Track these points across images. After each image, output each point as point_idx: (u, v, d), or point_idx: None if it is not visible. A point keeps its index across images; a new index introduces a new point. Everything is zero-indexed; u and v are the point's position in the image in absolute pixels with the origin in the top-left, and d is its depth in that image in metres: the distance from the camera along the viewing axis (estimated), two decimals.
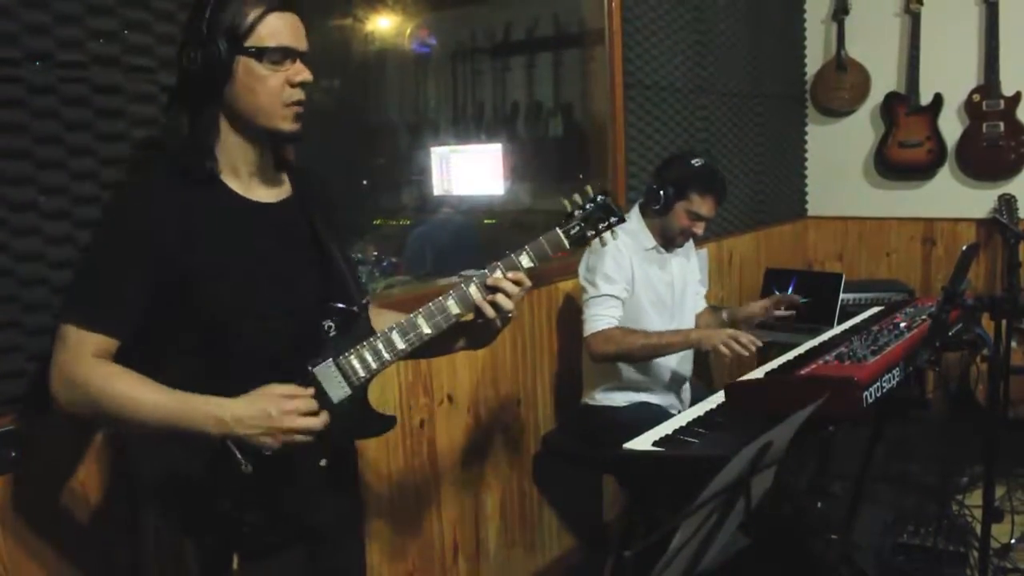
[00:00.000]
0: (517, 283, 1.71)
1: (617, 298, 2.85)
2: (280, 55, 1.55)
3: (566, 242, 1.75)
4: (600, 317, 2.82)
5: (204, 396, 1.51)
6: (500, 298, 1.68)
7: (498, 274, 1.70)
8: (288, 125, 1.59)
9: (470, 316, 1.73)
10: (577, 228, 1.76)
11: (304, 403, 1.54)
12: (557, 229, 1.75)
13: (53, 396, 1.51)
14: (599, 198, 1.78)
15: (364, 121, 4.82)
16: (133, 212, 1.53)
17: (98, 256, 1.57)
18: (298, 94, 1.58)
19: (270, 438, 1.51)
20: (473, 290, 1.69)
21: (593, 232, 1.77)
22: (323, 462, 1.66)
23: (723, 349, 2.61)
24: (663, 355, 2.90)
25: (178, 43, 1.56)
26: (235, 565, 1.56)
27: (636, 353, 2.82)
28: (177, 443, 1.51)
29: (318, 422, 1.55)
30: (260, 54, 1.53)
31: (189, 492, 1.55)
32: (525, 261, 1.72)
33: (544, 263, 1.77)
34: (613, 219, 1.78)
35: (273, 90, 1.55)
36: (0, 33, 1.73)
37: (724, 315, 3.09)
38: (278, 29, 1.54)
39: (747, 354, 2.61)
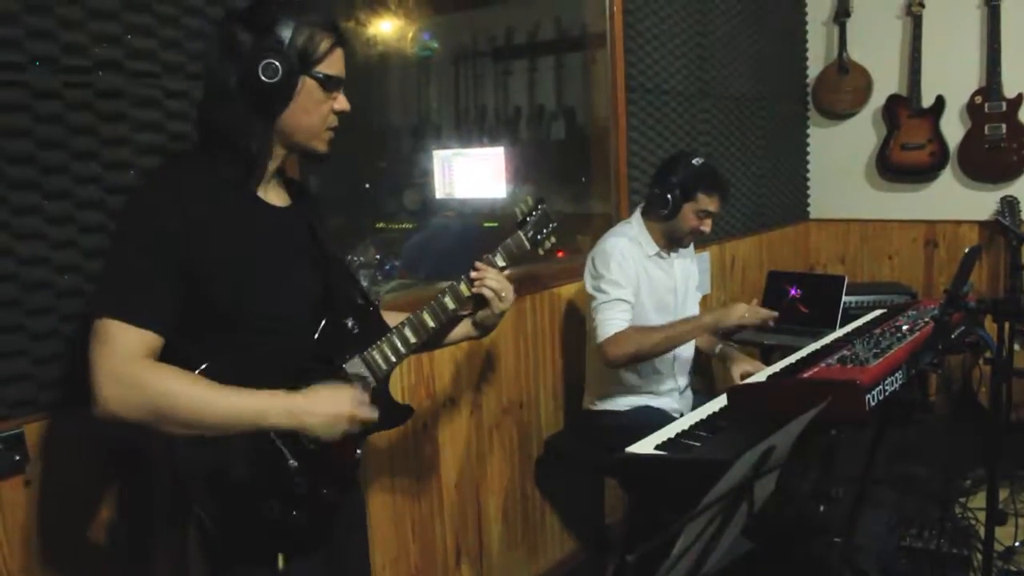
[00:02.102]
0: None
1: (627, 301, 2.86)
2: (336, 85, 1.67)
3: (527, 244, 2.05)
4: (612, 321, 2.80)
5: (269, 391, 1.56)
6: (489, 282, 1.93)
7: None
8: (323, 147, 1.71)
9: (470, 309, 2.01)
10: (532, 232, 2.06)
11: (362, 395, 1.67)
12: (519, 232, 2.05)
13: (101, 398, 1.45)
14: (539, 207, 2.07)
15: (366, 125, 4.82)
16: (170, 203, 1.52)
17: (135, 246, 1.52)
18: (336, 120, 1.70)
19: (335, 427, 1.61)
20: (462, 287, 1.94)
21: (541, 236, 2.07)
22: (358, 453, 1.77)
23: (744, 320, 2.71)
24: (680, 344, 2.88)
25: (227, 52, 1.58)
26: (281, 564, 1.60)
27: (654, 349, 2.78)
28: (224, 446, 1.52)
29: (376, 414, 1.68)
30: (325, 81, 1.63)
31: (236, 494, 1.55)
32: (500, 261, 2.00)
33: (514, 263, 2.04)
34: (552, 224, 2.10)
35: (323, 114, 1.67)
36: (4, 38, 1.75)
37: (717, 349, 3.13)
38: (338, 60, 1.66)
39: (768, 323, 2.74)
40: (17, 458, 1.81)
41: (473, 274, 1.94)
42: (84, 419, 1.50)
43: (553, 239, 2.10)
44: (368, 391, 1.72)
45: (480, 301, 1.97)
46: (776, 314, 2.74)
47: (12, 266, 1.79)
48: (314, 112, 1.64)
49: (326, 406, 1.59)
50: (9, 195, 1.77)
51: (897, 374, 2.07)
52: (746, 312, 2.70)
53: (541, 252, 2.08)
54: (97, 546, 1.96)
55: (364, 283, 2.87)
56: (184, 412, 1.47)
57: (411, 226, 4.38)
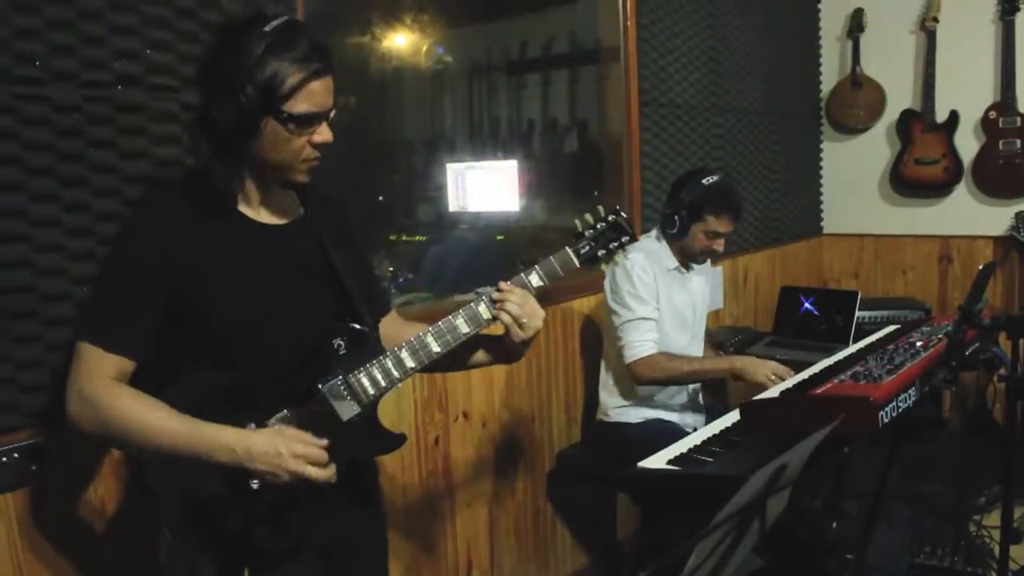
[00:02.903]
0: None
1: (652, 320, 2.89)
2: (309, 121, 1.54)
3: (576, 261, 1.79)
4: (641, 343, 2.86)
5: (217, 425, 1.53)
6: (509, 306, 1.71)
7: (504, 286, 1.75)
8: (300, 177, 1.62)
9: (499, 328, 1.77)
10: (588, 247, 1.80)
11: (315, 452, 1.55)
12: (567, 248, 1.79)
13: (67, 412, 1.53)
14: (610, 217, 1.82)
15: (380, 138, 4.85)
16: (148, 232, 1.55)
17: (115, 274, 1.58)
18: (316, 152, 1.60)
19: (273, 476, 1.53)
20: (482, 308, 1.73)
21: (604, 251, 1.81)
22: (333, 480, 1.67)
23: (767, 383, 2.65)
24: (704, 380, 3.05)
25: (203, 80, 1.55)
26: None
27: (682, 379, 2.92)
28: (188, 461, 1.52)
29: (324, 475, 1.56)
30: (290, 120, 1.52)
31: (200, 507, 1.56)
32: (535, 280, 1.77)
33: (555, 282, 1.80)
34: (624, 238, 1.82)
35: (294, 151, 1.57)
36: (27, 53, 1.77)
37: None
38: (313, 94, 1.53)
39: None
40: (34, 468, 1.83)
41: (496, 295, 1.73)
42: None
43: (622, 255, 1.87)
44: (331, 419, 1.61)
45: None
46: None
47: (31, 277, 1.81)
48: (283, 149, 1.55)
49: (265, 455, 1.51)
50: (29, 207, 1.80)
51: (911, 391, 2.06)
52: (772, 375, 2.68)
53: (604, 267, 1.85)
54: (111, 555, 1.98)
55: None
56: (134, 435, 1.51)
57: (424, 239, 4.40)
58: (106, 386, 1.51)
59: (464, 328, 1.72)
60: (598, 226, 1.81)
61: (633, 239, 1.85)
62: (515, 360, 1.88)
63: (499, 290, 1.73)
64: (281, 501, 1.58)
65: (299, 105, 1.52)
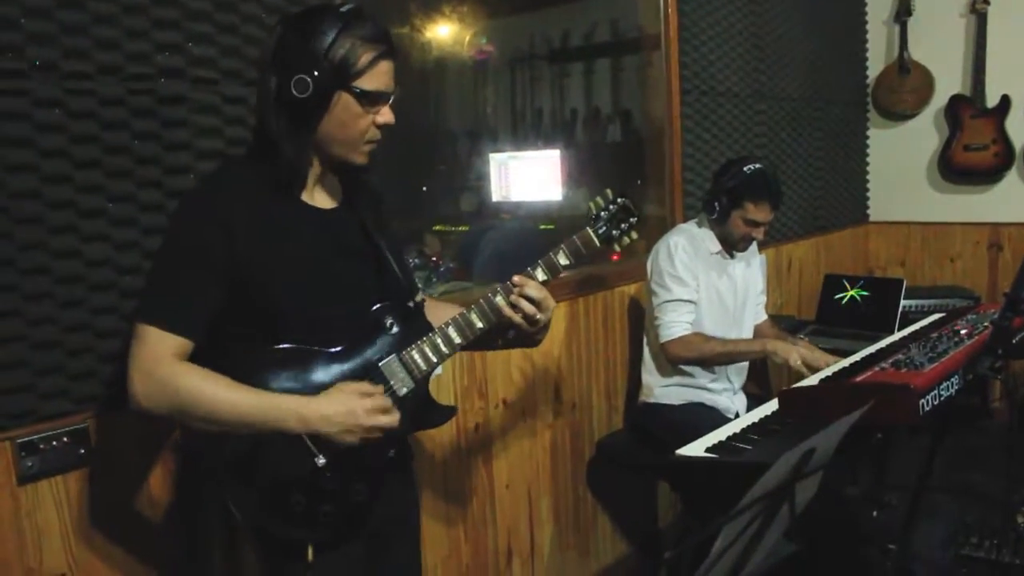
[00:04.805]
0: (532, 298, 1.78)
1: (690, 302, 2.91)
2: (377, 99, 1.62)
3: (596, 240, 1.86)
4: (676, 324, 2.89)
5: (285, 395, 1.58)
6: (521, 302, 1.76)
7: (536, 274, 1.81)
8: (361, 159, 1.68)
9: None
10: (604, 228, 1.88)
11: (381, 401, 1.62)
12: (588, 228, 1.87)
13: (132, 393, 1.55)
14: (619, 200, 1.90)
15: (423, 128, 4.87)
16: (211, 214, 1.58)
17: (177, 256, 1.60)
18: (378, 134, 1.66)
19: (351, 435, 1.58)
20: (499, 299, 1.78)
21: (618, 231, 1.89)
22: (392, 452, 1.74)
23: (796, 366, 2.67)
24: (737, 362, 3.04)
25: (278, 60, 1.58)
26: (310, 557, 1.63)
27: (716, 360, 2.93)
28: (253, 439, 1.57)
29: (395, 420, 1.63)
30: (363, 96, 1.60)
31: (264, 486, 1.60)
32: (562, 259, 1.83)
33: (580, 261, 1.87)
34: (633, 219, 1.91)
35: (362, 128, 1.63)
36: (73, 48, 1.82)
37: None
38: (382, 74, 1.61)
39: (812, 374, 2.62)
40: (82, 451, 1.88)
41: (517, 278, 1.79)
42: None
43: (634, 235, 1.91)
44: (388, 395, 1.67)
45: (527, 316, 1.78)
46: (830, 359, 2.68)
47: (79, 267, 1.86)
48: (351, 126, 1.62)
49: (339, 415, 1.57)
50: (77, 198, 1.85)
51: (953, 379, 2.03)
52: (799, 359, 2.69)
53: (618, 248, 1.92)
54: (156, 538, 2.03)
55: (419, 284, 2.87)
56: (203, 410, 1.54)
57: (467, 228, 4.41)
58: (173, 365, 1.54)
59: (503, 304, 1.77)
60: (610, 207, 1.89)
61: (639, 220, 1.92)
62: (534, 346, 1.93)
63: (515, 284, 1.77)
64: (347, 479, 1.63)
65: (370, 82, 1.60)
